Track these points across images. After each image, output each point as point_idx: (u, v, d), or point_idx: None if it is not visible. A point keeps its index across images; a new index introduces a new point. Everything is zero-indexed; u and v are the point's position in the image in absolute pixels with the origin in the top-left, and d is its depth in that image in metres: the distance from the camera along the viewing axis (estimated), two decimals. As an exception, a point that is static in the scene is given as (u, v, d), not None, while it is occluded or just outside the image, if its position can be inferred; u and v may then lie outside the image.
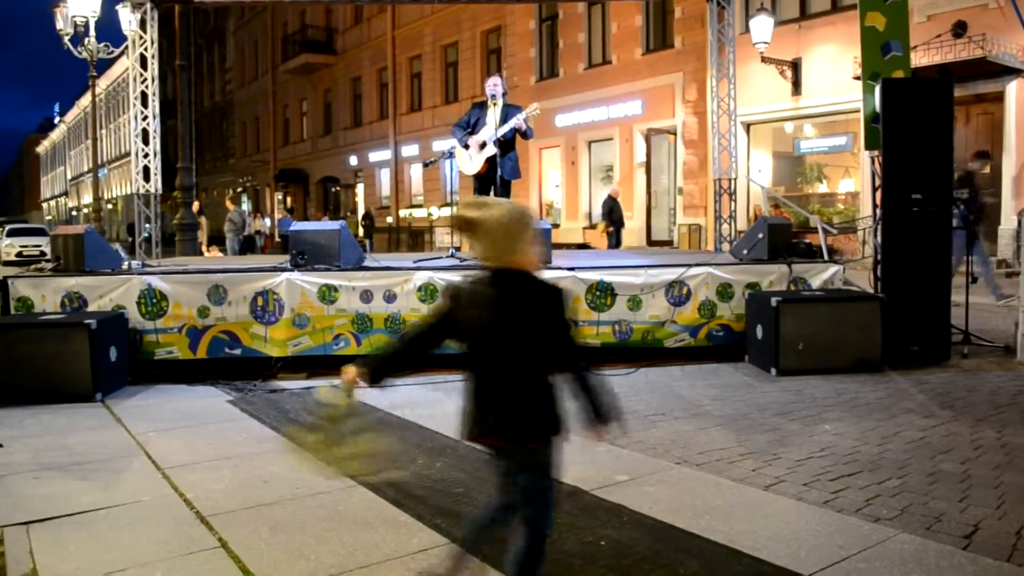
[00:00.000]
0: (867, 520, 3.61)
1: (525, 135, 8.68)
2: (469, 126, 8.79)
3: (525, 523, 2.60)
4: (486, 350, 2.59)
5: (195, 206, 15.02)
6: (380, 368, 2.73)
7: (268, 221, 30.85)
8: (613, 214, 18.42)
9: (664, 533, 3.50)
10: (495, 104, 8.67)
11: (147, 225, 10.77)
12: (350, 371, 2.65)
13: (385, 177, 34.23)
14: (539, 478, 2.62)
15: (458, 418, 2.64)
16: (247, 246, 22.27)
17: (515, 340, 2.53)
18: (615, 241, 18.45)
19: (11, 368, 6.13)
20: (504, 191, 8.79)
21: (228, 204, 22.27)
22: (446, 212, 26.47)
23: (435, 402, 6.20)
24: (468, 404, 2.62)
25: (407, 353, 2.78)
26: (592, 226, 23.43)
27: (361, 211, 33.52)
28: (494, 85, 8.77)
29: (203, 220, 18.84)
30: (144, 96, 10.47)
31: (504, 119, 8.60)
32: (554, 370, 2.60)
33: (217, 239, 22.24)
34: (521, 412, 2.55)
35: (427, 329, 2.73)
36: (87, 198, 56.82)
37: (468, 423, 2.62)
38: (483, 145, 8.59)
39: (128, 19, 10.75)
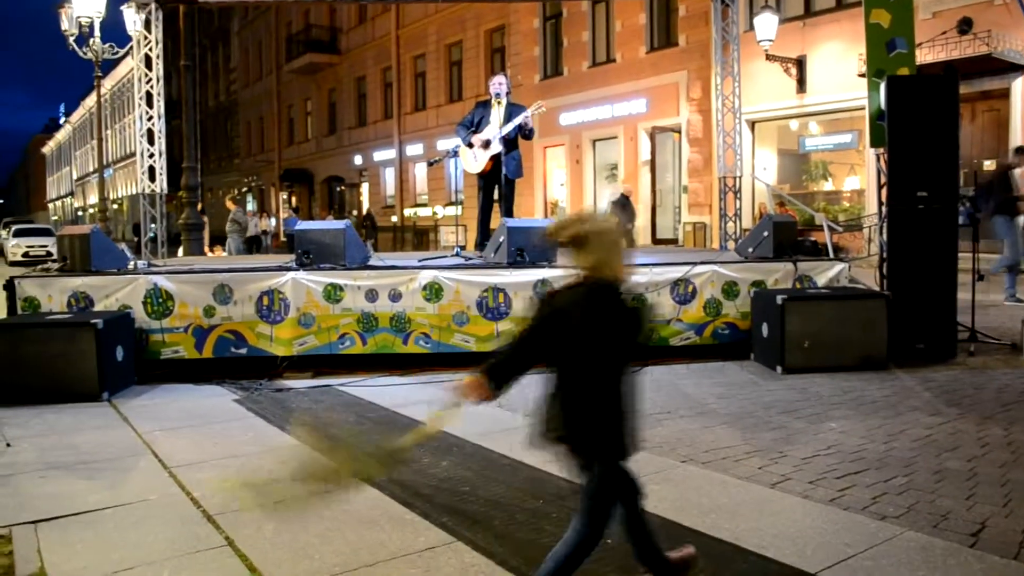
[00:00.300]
0: (873, 518, 3.61)
1: (528, 135, 8.68)
2: (473, 125, 8.79)
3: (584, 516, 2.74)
4: (585, 358, 2.64)
5: (197, 206, 15.01)
6: (502, 375, 2.80)
7: (273, 221, 30.87)
8: (626, 211, 18.42)
9: (670, 531, 3.49)
10: (499, 103, 8.68)
11: (152, 225, 10.80)
12: (471, 381, 2.73)
13: (390, 176, 34.24)
14: (603, 488, 2.73)
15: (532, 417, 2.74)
16: (252, 246, 22.29)
17: (614, 351, 2.64)
18: (629, 240, 18.42)
19: (18, 368, 6.15)
20: (508, 190, 8.80)
21: (229, 204, 22.11)
22: (451, 211, 26.48)
23: (439, 400, 6.19)
24: (553, 408, 2.70)
25: (523, 357, 2.79)
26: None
27: (369, 211, 33.53)
28: (499, 84, 8.78)
29: (204, 220, 18.84)
30: (149, 96, 10.49)
31: (508, 118, 8.60)
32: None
33: (219, 239, 22.23)
34: (601, 424, 2.66)
35: (535, 335, 2.76)
36: (93, 198, 56.92)
37: (550, 426, 2.72)
38: (487, 144, 8.59)
39: (133, 19, 10.78)
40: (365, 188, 36.27)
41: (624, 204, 18.40)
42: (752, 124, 19.24)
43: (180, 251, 14.24)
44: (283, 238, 28.82)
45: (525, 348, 2.76)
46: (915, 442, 4.76)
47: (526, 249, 7.45)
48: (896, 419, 5.28)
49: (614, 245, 2.73)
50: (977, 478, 4.10)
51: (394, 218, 32.47)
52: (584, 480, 2.74)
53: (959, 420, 5.24)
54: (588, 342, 2.62)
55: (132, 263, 7.91)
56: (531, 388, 5.44)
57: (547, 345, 2.69)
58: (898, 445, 4.71)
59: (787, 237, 8.10)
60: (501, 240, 7.58)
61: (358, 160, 36.07)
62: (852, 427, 5.11)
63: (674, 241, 21.27)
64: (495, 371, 2.76)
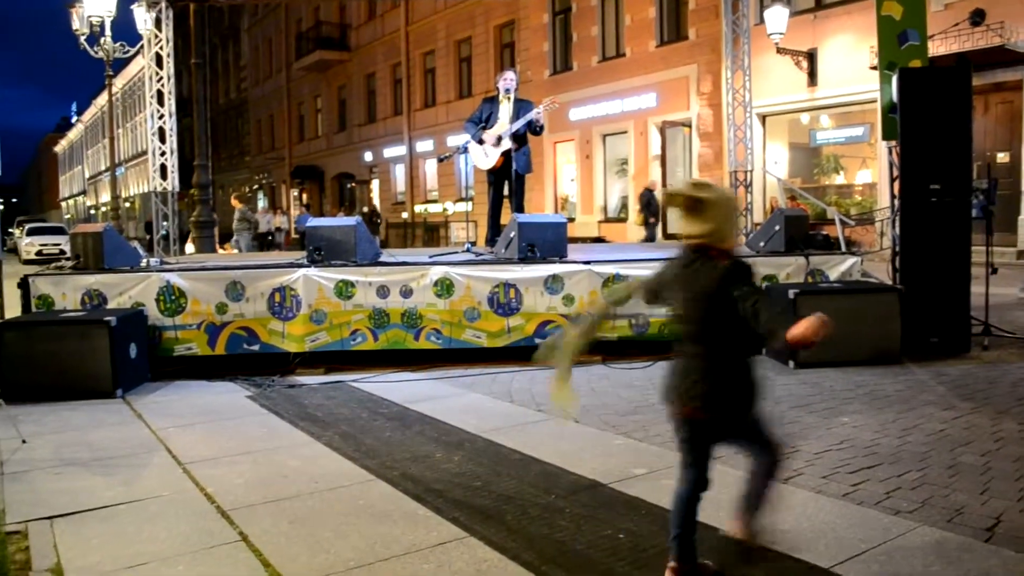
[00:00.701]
0: (887, 513, 3.59)
1: (539, 130, 8.67)
2: (482, 121, 8.78)
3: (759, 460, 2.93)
4: (700, 325, 2.83)
5: (208, 204, 15.03)
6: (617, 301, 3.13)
7: (285, 218, 30.94)
8: (651, 206, 18.41)
9: (683, 526, 3.49)
10: (508, 98, 8.67)
11: (164, 223, 10.84)
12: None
13: (400, 173, 34.27)
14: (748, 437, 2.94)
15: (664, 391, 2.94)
16: (265, 243, 22.31)
17: (725, 317, 2.74)
18: (652, 234, 18.42)
19: (33, 365, 6.19)
20: (518, 185, 8.79)
21: (234, 203, 21.98)
22: (461, 207, 26.48)
23: (451, 396, 6.22)
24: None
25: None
26: (620, 218, 23.43)
27: (372, 208, 33.53)
28: (508, 80, 8.76)
29: (215, 217, 18.85)
30: (160, 95, 10.53)
31: (517, 113, 8.59)
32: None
33: (226, 236, 22.22)
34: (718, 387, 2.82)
35: (645, 287, 3.01)
36: (105, 196, 57.16)
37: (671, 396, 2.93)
38: (499, 140, 8.59)
39: (143, 18, 10.80)
40: (376, 184, 36.31)
41: (649, 199, 18.40)
42: (763, 118, 19.15)
43: (187, 247, 14.23)
44: (294, 235, 28.91)
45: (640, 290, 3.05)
46: (929, 436, 4.74)
47: (537, 245, 7.44)
48: (910, 413, 5.26)
49: (731, 216, 2.82)
50: (992, 472, 4.08)
51: (404, 214, 32.50)
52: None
53: (973, 414, 5.21)
54: (695, 306, 2.83)
55: (145, 261, 7.95)
56: (537, 385, 5.54)
57: (652, 301, 3.02)
58: (912, 439, 4.69)
59: (799, 231, 8.07)
60: (512, 236, 7.58)
61: (368, 156, 36.10)
62: (865, 422, 5.09)
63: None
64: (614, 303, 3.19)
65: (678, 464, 2.97)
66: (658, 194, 19.04)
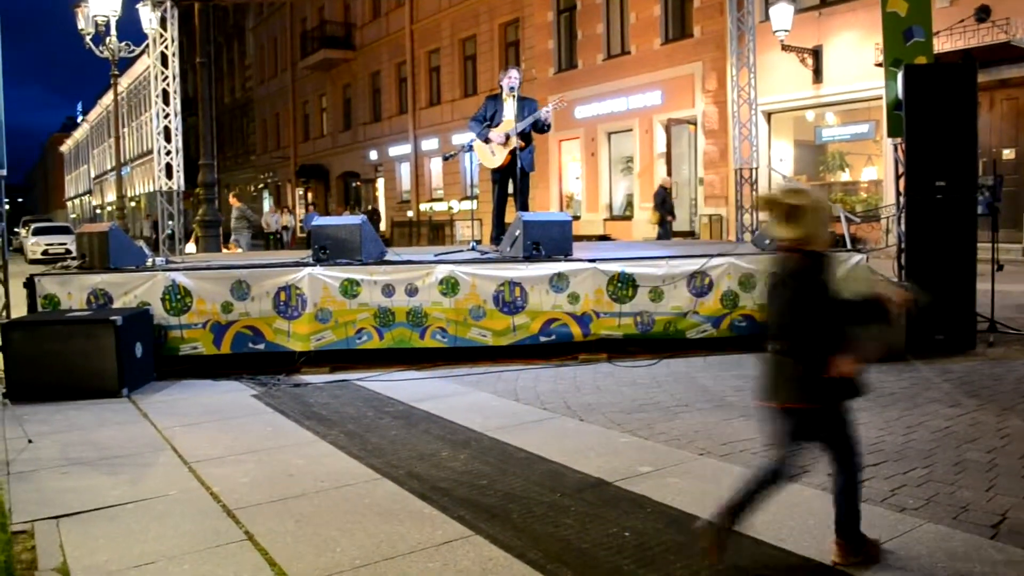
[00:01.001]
0: (893, 510, 3.59)
1: (546, 128, 8.68)
2: (486, 119, 8.78)
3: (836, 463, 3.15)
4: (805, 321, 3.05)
5: (214, 203, 15.01)
6: None
7: (292, 217, 30.99)
8: (666, 204, 18.41)
9: (688, 524, 3.49)
10: (512, 96, 8.67)
11: (170, 222, 10.86)
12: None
13: (405, 171, 34.29)
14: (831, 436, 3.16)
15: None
16: (272, 242, 22.28)
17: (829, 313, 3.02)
18: (667, 232, 18.40)
19: (39, 365, 6.21)
20: (523, 183, 8.79)
21: (232, 201, 21.80)
22: (466, 206, 26.48)
23: (456, 394, 6.22)
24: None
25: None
26: (625, 216, 23.41)
27: (373, 207, 33.53)
28: (512, 78, 8.76)
29: (221, 216, 18.78)
30: (165, 94, 10.56)
31: (522, 111, 8.59)
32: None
33: (225, 236, 22.10)
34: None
35: None
36: (111, 196, 57.31)
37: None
38: (507, 138, 8.59)
39: (148, 18, 10.84)
40: (381, 183, 36.34)
41: (664, 197, 18.38)
42: (768, 115, 19.11)
43: (188, 247, 14.11)
44: (299, 234, 28.93)
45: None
46: (934, 433, 4.74)
47: (542, 243, 7.44)
48: (915, 410, 5.25)
49: (824, 220, 3.02)
50: (997, 469, 4.08)
51: (410, 213, 32.53)
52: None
53: (978, 411, 5.20)
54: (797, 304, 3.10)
55: (150, 260, 7.97)
56: (542, 383, 5.56)
57: None
58: (917, 437, 4.68)
59: (804, 229, 8.04)
60: (517, 234, 7.58)
61: (373, 155, 36.13)
62: (871, 419, 5.08)
63: (691, 233, 21.18)
64: None
65: (775, 451, 3.13)
66: (672, 191, 19.12)
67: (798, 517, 3.53)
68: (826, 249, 3.04)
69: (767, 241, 8.36)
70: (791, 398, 3.05)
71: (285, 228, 25.67)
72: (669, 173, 21.88)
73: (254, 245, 20.21)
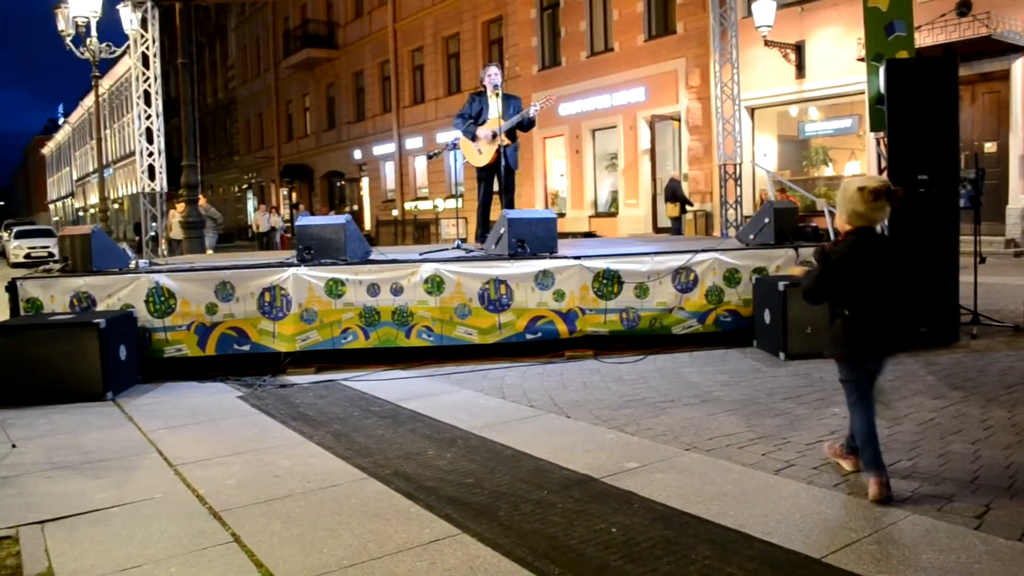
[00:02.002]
0: (878, 502, 3.61)
1: (528, 126, 8.68)
2: (471, 117, 8.75)
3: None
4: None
5: (197, 204, 14.87)
6: None
7: (279, 218, 30.78)
8: (677, 195, 18.51)
9: (675, 519, 3.50)
10: (496, 94, 8.66)
11: (153, 224, 10.80)
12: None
13: (390, 170, 34.25)
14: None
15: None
16: (264, 242, 22.02)
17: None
18: (678, 226, 18.51)
19: (22, 369, 6.16)
20: (508, 180, 8.78)
21: (200, 200, 21.32)
22: (451, 204, 26.45)
23: (443, 393, 6.21)
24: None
25: None
26: (610, 213, 23.45)
27: (360, 207, 33.32)
28: (494, 75, 8.74)
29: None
30: (147, 95, 10.50)
31: (507, 109, 8.58)
32: None
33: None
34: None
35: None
36: (93, 198, 56.96)
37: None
38: (494, 136, 8.57)
39: (129, 18, 10.77)
40: (365, 183, 36.27)
41: (675, 189, 18.50)
42: (751, 111, 19.20)
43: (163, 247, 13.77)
44: (288, 235, 28.74)
45: None
46: (919, 426, 4.77)
47: (527, 240, 7.44)
48: (900, 403, 5.28)
49: (843, 203, 3.79)
50: (981, 460, 4.11)
51: (395, 212, 32.48)
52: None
53: (963, 403, 5.24)
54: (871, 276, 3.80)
55: (133, 262, 7.92)
56: (528, 380, 5.58)
57: None
58: (902, 429, 4.71)
59: (788, 223, 8.09)
60: (502, 232, 7.58)
61: (358, 154, 36.07)
62: (856, 412, 5.10)
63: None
64: None
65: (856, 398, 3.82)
66: (685, 186, 19.27)
67: (784, 511, 3.54)
68: (844, 229, 3.84)
69: (751, 236, 8.39)
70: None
71: (274, 229, 25.42)
72: (653, 169, 21.96)
73: (219, 247, 19.96)
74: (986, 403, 5.21)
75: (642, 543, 3.29)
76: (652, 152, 22.06)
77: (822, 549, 3.15)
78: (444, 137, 24.60)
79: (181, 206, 15.09)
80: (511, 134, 8.62)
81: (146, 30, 10.46)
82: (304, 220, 7.77)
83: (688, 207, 19.03)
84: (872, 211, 3.69)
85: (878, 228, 3.87)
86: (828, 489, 3.80)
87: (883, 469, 3.67)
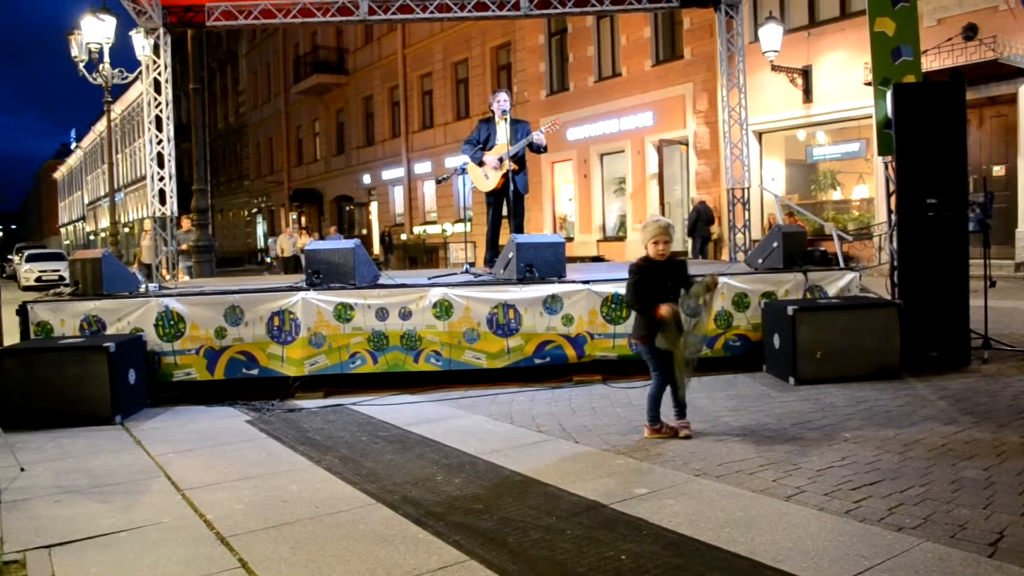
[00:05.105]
0: (890, 529, 3.57)
1: (542, 150, 8.72)
2: (480, 142, 8.81)
3: None
4: None
5: (207, 228, 14.94)
6: None
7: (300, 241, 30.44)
8: (701, 218, 18.52)
9: (685, 546, 3.47)
10: (504, 119, 8.71)
11: (164, 248, 10.85)
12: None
13: (398, 195, 34.37)
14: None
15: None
16: (289, 266, 21.79)
17: None
18: (700, 249, 18.53)
19: (32, 392, 6.18)
20: (517, 205, 8.82)
21: (184, 223, 20.56)
22: (459, 228, 26.47)
23: (451, 418, 6.20)
24: None
25: None
26: (619, 237, 23.47)
27: (379, 229, 33.48)
28: (503, 100, 8.80)
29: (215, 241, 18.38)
30: (159, 120, 10.57)
31: (515, 133, 8.63)
32: None
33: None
34: None
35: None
36: (104, 222, 57.28)
37: None
38: (501, 161, 8.62)
39: (142, 44, 10.86)
40: (374, 207, 36.41)
41: (700, 211, 18.55)
42: (759, 135, 19.24)
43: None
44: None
45: None
46: (931, 451, 4.73)
47: (535, 265, 7.45)
48: (911, 428, 5.24)
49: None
50: (995, 487, 4.07)
51: (404, 236, 32.56)
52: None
53: (974, 428, 5.20)
54: None
55: (143, 286, 7.95)
56: (537, 405, 5.56)
57: None
58: (913, 455, 4.67)
59: (797, 247, 8.07)
60: (511, 256, 7.59)
61: (367, 179, 36.23)
62: (866, 437, 5.07)
63: (684, 253, 21.23)
64: None
65: None
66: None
67: (796, 538, 3.51)
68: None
69: (760, 260, 8.38)
70: None
71: (303, 251, 24.60)
72: (661, 193, 21.97)
73: (225, 271, 19.69)
74: (998, 428, 5.17)
75: (652, 570, 3.26)
76: (660, 176, 22.09)
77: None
78: (453, 162, 24.67)
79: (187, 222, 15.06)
80: (519, 160, 8.66)
81: (158, 56, 10.56)
82: (314, 245, 7.80)
83: (710, 231, 18.99)
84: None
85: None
86: (839, 516, 3.76)
87: (658, 420, 5.23)
